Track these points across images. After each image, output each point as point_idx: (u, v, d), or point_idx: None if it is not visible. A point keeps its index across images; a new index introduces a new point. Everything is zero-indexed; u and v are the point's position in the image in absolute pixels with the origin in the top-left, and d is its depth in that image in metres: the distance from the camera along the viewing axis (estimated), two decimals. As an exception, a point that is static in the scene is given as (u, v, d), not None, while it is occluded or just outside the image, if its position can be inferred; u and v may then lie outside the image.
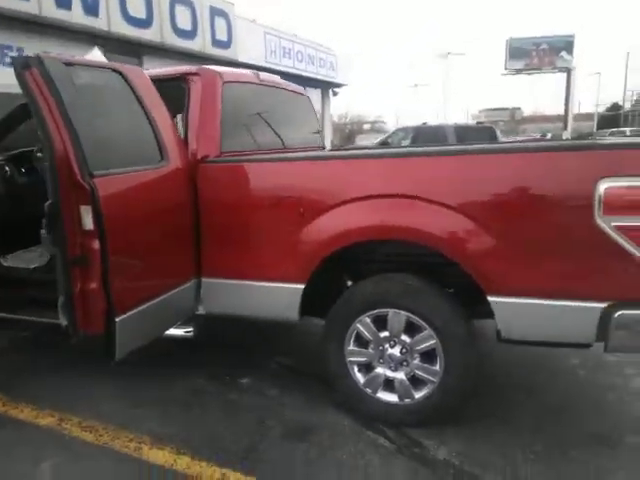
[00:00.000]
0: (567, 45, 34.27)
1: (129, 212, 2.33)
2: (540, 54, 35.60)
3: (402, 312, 2.46)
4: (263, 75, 3.55)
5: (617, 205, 2.08)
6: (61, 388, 3.01)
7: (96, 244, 2.19)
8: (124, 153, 2.41)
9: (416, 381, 2.52)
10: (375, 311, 2.51)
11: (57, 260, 2.24)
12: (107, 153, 2.28)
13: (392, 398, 2.57)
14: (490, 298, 2.30)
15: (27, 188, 3.78)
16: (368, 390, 2.60)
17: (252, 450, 2.40)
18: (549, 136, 35.08)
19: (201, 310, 2.94)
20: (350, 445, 2.43)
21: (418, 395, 2.51)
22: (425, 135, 13.17)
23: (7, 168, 3.68)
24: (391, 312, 2.48)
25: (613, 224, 2.08)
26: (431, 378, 2.47)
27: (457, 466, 2.26)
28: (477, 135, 12.28)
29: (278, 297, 2.71)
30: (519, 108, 79.48)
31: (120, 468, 2.30)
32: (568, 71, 33.43)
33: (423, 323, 2.43)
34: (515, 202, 2.21)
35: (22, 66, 2.11)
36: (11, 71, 6.58)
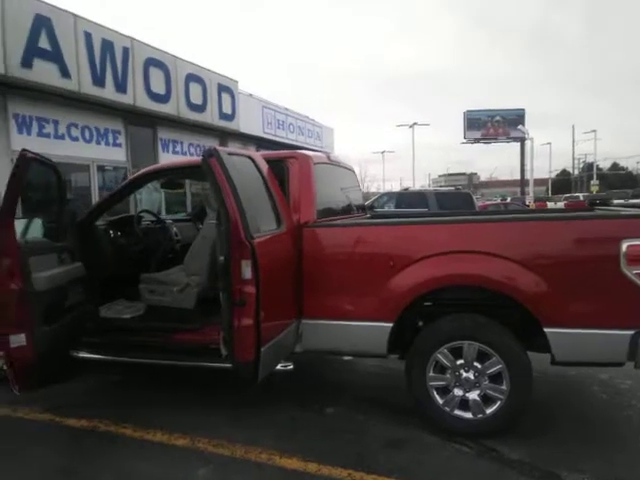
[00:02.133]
0: (519, 118, 37.67)
1: (270, 265, 2.98)
2: (495, 125, 38.87)
3: (475, 343, 3.15)
4: (331, 156, 4.36)
5: (635, 257, 2.89)
6: (180, 418, 3.49)
7: (252, 289, 2.82)
8: (261, 219, 3.09)
9: (486, 399, 3.17)
10: (452, 343, 3.19)
11: (223, 303, 2.85)
12: (254, 220, 2.96)
13: (467, 415, 3.20)
14: (546, 329, 3.02)
15: (123, 249, 4.37)
16: (447, 409, 3.22)
17: (364, 457, 2.97)
18: (509, 200, 37.62)
19: (298, 348, 3.53)
20: (440, 452, 3.03)
21: (489, 411, 3.15)
22: (408, 200, 14.12)
23: (111, 231, 4.28)
24: (466, 344, 3.16)
25: (634, 272, 2.88)
26: (499, 396, 3.13)
27: (531, 464, 2.88)
28: (456, 200, 13.38)
29: (370, 334, 3.35)
30: (476, 173, 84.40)
31: (263, 470, 2.84)
32: (522, 141, 36.33)
33: (492, 351, 3.12)
34: (564, 257, 3.00)
35: (208, 155, 2.82)
36: (45, 140, 7.47)
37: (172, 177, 4.24)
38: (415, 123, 40.78)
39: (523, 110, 38.74)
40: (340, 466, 2.86)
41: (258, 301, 2.83)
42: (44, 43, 7.49)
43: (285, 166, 3.70)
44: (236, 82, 12.71)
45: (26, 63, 7.19)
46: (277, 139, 14.88)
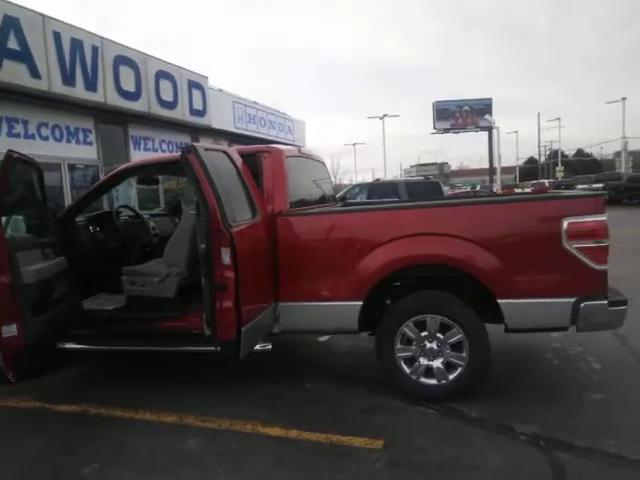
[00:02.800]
0: (486, 107, 38.48)
1: (247, 251, 3.22)
2: (464, 115, 39.60)
3: (437, 316, 3.46)
4: (302, 149, 4.61)
5: (574, 234, 3.24)
6: (166, 400, 3.72)
7: (232, 274, 3.06)
8: (237, 210, 3.33)
9: (449, 366, 3.49)
10: (417, 317, 3.50)
11: (205, 287, 3.08)
12: (231, 210, 3.19)
13: (431, 381, 3.52)
14: (500, 300, 3.36)
15: (102, 244, 4.54)
16: (413, 377, 3.54)
17: (340, 422, 3.26)
18: (478, 187, 38.58)
19: (275, 329, 3.79)
20: (410, 415, 3.35)
21: (451, 377, 3.48)
22: (380, 190, 14.50)
23: (90, 227, 4.44)
24: (429, 317, 3.48)
25: (574, 246, 3.23)
26: (460, 362, 3.46)
27: (488, 420, 3.22)
28: (425, 189, 13.82)
29: (342, 313, 3.63)
30: (447, 163, 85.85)
31: (249, 438, 3.12)
32: (489, 130, 37.08)
33: (452, 323, 3.44)
34: (513, 235, 3.34)
35: (186, 151, 3.04)
36: (15, 140, 7.51)
37: (151, 173, 4.43)
38: (385, 115, 41.32)
39: (490, 100, 39.51)
40: (319, 431, 3.14)
41: (237, 285, 3.08)
42: (13, 44, 7.50)
43: (259, 160, 3.94)
44: (206, 78, 12.79)
45: (-5, 64, 7.21)
46: (248, 133, 15.04)
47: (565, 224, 3.23)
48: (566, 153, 59.07)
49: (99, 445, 3.12)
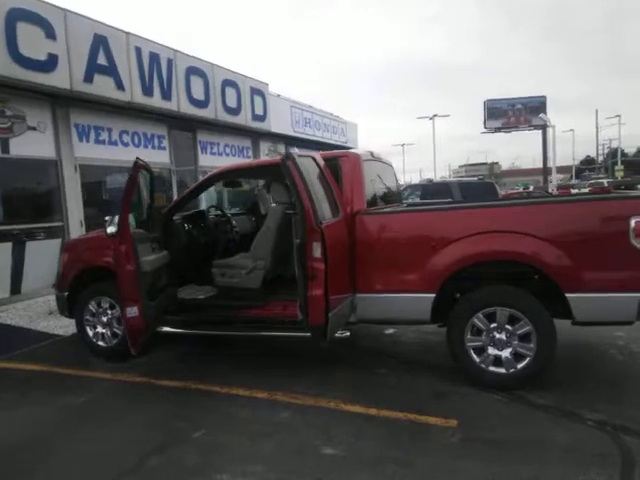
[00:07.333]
0: (540, 105, 37.39)
1: (333, 246, 3.61)
2: (516, 114, 38.65)
3: (506, 309, 3.73)
4: (374, 153, 4.97)
5: (642, 232, 3.43)
6: (257, 379, 4.16)
7: (322, 266, 3.46)
8: (324, 209, 3.73)
9: (517, 356, 3.74)
10: (487, 309, 3.77)
11: (299, 277, 3.50)
12: (320, 209, 3.59)
13: (500, 370, 3.78)
14: (567, 295, 3.58)
15: (195, 240, 5.07)
16: (482, 365, 3.81)
17: (414, 404, 3.58)
18: (531, 188, 37.62)
19: (352, 318, 4.17)
20: (479, 400, 3.63)
21: (519, 366, 3.73)
22: (433, 191, 14.58)
23: (185, 224, 4.98)
24: (498, 309, 3.74)
25: (641, 243, 3.43)
26: (528, 353, 3.70)
27: (555, 407, 3.46)
28: (479, 190, 13.80)
29: (416, 304, 3.95)
30: (497, 163, 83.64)
31: (334, 413, 3.49)
32: (544, 128, 35.98)
33: (521, 315, 3.69)
34: (582, 233, 3.56)
35: (286, 159, 3.46)
36: (100, 147, 8.28)
37: (241, 177, 4.92)
38: (435, 115, 40.96)
39: (544, 97, 38.33)
40: (396, 410, 3.49)
41: (326, 275, 3.48)
42: (102, 59, 8.27)
43: (338, 164, 4.33)
44: (266, 84, 13.37)
45: (87, 78, 7.98)
46: (305, 137, 15.54)
47: (633, 223, 3.42)
48: (626, 152, 56.52)
49: (205, 413, 3.60)
